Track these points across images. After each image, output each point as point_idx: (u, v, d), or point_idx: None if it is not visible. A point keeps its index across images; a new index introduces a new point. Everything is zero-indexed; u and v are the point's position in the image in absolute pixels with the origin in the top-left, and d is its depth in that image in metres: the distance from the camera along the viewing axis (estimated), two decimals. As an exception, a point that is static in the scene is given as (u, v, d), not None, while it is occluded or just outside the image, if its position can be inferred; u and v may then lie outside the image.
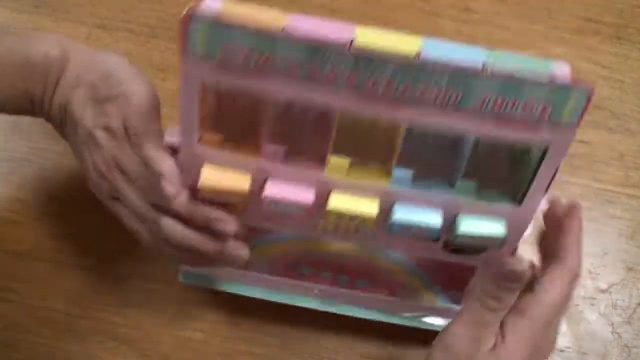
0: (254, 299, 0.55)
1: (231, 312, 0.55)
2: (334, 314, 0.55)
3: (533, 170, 0.40)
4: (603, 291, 0.56)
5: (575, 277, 0.45)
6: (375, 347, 0.54)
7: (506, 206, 0.42)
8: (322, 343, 0.54)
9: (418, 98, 0.37)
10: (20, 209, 0.58)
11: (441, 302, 0.52)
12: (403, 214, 0.43)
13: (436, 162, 0.45)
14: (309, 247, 0.50)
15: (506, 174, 0.43)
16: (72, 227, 0.58)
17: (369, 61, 0.36)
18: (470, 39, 0.66)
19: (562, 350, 0.54)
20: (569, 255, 0.44)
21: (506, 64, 0.40)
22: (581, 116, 0.37)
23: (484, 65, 0.39)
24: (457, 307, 0.52)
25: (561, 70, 0.40)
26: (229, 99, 0.43)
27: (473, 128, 0.38)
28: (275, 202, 0.43)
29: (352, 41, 0.39)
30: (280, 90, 0.38)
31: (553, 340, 0.45)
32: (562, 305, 0.44)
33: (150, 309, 0.55)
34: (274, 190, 0.43)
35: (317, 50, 0.36)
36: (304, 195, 0.43)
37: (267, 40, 0.36)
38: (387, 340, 0.55)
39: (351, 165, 0.43)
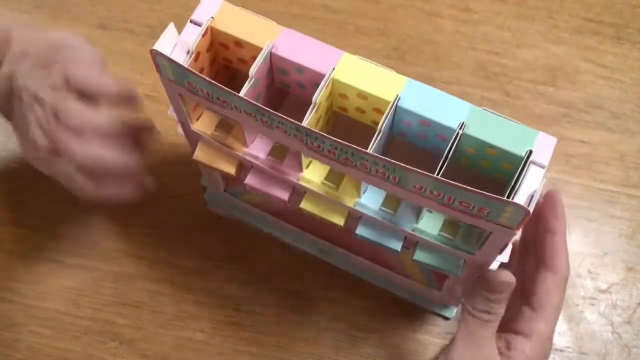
0: (255, 299, 0.56)
1: (231, 312, 0.55)
2: (334, 314, 0.55)
3: (485, 237, 0.40)
4: (603, 291, 0.56)
5: (567, 279, 0.44)
6: (375, 348, 0.54)
7: (462, 252, 0.42)
8: (322, 343, 0.54)
9: (359, 168, 0.37)
10: (20, 209, 0.58)
11: (425, 280, 0.52)
12: (366, 232, 0.44)
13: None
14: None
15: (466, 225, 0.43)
16: (72, 227, 0.58)
17: (307, 133, 0.36)
18: (470, 39, 0.66)
19: (562, 350, 0.54)
20: (560, 262, 0.44)
21: (485, 129, 0.38)
22: (521, 223, 0.35)
23: (460, 126, 0.38)
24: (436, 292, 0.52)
25: (544, 147, 0.38)
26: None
27: (415, 201, 0.38)
28: (255, 191, 0.46)
29: (332, 70, 0.40)
30: (240, 119, 0.40)
31: (552, 340, 0.45)
32: (561, 310, 0.44)
33: (150, 309, 0.55)
34: (254, 180, 0.45)
35: (262, 112, 0.37)
36: (280, 192, 0.45)
37: (219, 91, 0.37)
38: (387, 341, 0.55)
39: (330, 170, 0.44)
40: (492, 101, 0.63)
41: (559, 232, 0.44)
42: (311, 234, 0.53)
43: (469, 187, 0.34)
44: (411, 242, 0.44)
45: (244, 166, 0.46)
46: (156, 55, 0.38)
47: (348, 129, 0.44)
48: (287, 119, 0.36)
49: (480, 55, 0.65)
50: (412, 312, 0.55)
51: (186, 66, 0.38)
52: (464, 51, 0.65)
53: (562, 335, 0.55)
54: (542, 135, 0.38)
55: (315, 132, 0.36)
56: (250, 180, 0.45)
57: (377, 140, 0.38)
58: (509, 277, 0.41)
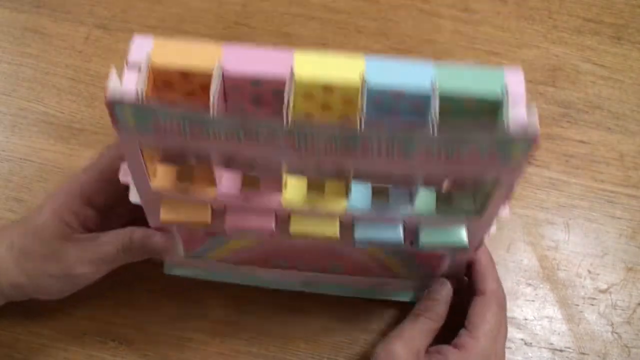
0: (254, 299, 0.56)
1: (231, 312, 0.55)
2: (334, 314, 0.55)
3: (489, 191, 0.40)
4: (603, 291, 0.56)
5: (500, 300, 0.50)
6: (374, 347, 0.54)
7: (466, 218, 0.42)
8: (322, 343, 0.54)
9: (360, 152, 0.35)
10: (20, 209, 0.58)
11: (416, 275, 0.52)
12: (364, 233, 0.43)
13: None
14: (276, 244, 0.50)
15: (464, 189, 0.43)
16: (72, 227, 0.58)
17: (302, 132, 0.34)
18: (470, 39, 0.66)
19: (561, 351, 0.54)
20: (485, 285, 0.49)
21: (455, 82, 0.39)
22: (530, 155, 0.35)
23: (432, 84, 0.38)
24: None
25: (514, 79, 0.39)
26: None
27: (420, 169, 0.37)
28: (238, 230, 0.44)
29: (291, 69, 0.38)
30: (220, 148, 0.37)
31: (488, 357, 0.48)
32: (499, 332, 0.49)
33: (150, 309, 0.55)
34: (234, 220, 0.43)
35: (248, 123, 0.34)
36: (265, 222, 0.43)
37: (195, 116, 0.34)
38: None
39: (309, 185, 0.43)
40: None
41: (480, 260, 0.50)
42: (291, 269, 0.53)
43: (476, 132, 0.34)
44: (411, 231, 0.44)
45: (216, 212, 0.44)
46: (115, 105, 0.34)
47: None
48: (277, 120, 0.34)
49: (480, 55, 0.65)
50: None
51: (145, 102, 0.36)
52: (464, 51, 0.65)
53: (561, 336, 0.55)
54: (508, 71, 0.40)
55: (311, 123, 0.35)
56: (229, 221, 0.43)
57: (363, 121, 0.37)
58: (446, 282, 0.50)
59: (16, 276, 0.49)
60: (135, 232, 0.48)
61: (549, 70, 0.64)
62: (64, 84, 0.63)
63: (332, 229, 0.43)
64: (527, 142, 0.34)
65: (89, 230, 0.50)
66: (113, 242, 0.49)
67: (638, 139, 0.62)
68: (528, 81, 0.64)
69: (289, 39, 0.65)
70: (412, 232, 0.44)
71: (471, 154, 0.35)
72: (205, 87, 0.39)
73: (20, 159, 0.60)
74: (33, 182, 0.59)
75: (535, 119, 0.35)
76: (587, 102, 0.63)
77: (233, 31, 0.66)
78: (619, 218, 0.59)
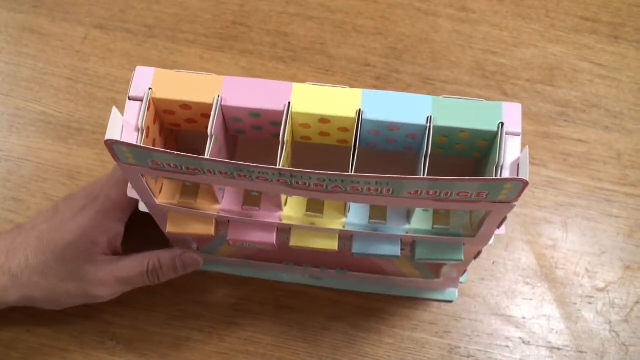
0: (253, 298, 0.56)
1: (229, 312, 0.55)
2: (333, 314, 0.55)
3: (482, 217, 0.40)
4: (601, 290, 0.56)
5: None
6: (373, 347, 0.54)
7: (461, 238, 0.43)
8: (321, 342, 0.54)
9: (350, 192, 0.36)
10: (19, 209, 0.58)
11: (420, 273, 0.53)
12: (362, 248, 0.44)
13: None
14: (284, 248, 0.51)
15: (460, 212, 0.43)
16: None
17: (292, 174, 0.35)
18: (468, 38, 0.66)
19: (559, 349, 0.54)
20: None
21: (452, 116, 0.39)
22: (519, 194, 0.35)
23: (428, 120, 0.38)
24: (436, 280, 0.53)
25: (512, 114, 0.39)
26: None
27: (411, 205, 0.38)
28: (240, 243, 0.44)
29: (289, 104, 0.39)
30: (214, 182, 0.39)
31: None
32: None
33: (149, 309, 0.55)
34: (236, 234, 0.44)
35: (240, 168, 0.35)
36: (266, 236, 0.44)
37: (189, 160, 0.36)
38: (385, 340, 0.55)
39: (309, 201, 0.43)
40: (489, 100, 0.63)
41: None
42: (300, 265, 0.53)
43: (466, 178, 0.34)
44: (407, 243, 0.44)
45: (220, 222, 0.45)
46: (113, 146, 0.35)
47: (307, 152, 0.43)
48: (268, 168, 0.35)
49: (477, 55, 0.65)
50: (410, 312, 0.56)
51: (142, 145, 0.36)
52: (462, 50, 0.65)
53: (559, 334, 0.55)
54: (506, 105, 0.39)
55: (301, 171, 0.35)
56: (232, 234, 0.44)
57: (355, 158, 0.38)
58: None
59: (29, 291, 0.49)
60: (162, 254, 0.49)
61: (547, 69, 0.65)
62: (62, 83, 0.63)
63: (331, 243, 0.44)
64: (516, 187, 0.35)
65: (115, 248, 0.50)
66: (136, 266, 0.49)
67: (635, 137, 0.62)
68: (525, 80, 0.64)
69: (286, 39, 0.65)
70: (409, 246, 0.44)
71: (460, 194, 0.35)
72: (205, 115, 0.40)
73: (18, 158, 0.60)
74: (31, 182, 0.59)
75: (526, 163, 0.36)
76: (585, 101, 0.63)
77: (230, 31, 0.66)
78: (616, 217, 0.59)
